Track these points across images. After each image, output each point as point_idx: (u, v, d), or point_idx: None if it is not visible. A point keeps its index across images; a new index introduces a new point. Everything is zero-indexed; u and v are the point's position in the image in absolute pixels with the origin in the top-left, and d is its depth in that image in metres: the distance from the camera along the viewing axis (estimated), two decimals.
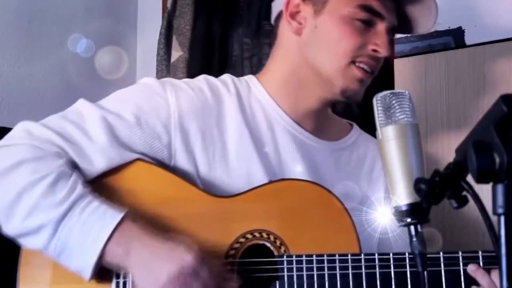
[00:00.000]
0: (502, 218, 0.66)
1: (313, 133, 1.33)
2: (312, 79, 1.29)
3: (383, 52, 1.25)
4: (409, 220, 0.85)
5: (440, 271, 1.11)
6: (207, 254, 1.10)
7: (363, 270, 1.11)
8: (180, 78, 1.86)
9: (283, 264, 1.12)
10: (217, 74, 1.37)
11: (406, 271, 1.11)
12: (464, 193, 0.76)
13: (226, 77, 1.34)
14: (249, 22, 2.06)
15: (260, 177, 1.23)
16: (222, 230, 1.15)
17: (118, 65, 2.33)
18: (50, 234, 1.08)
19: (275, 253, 1.14)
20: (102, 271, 1.10)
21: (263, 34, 2.01)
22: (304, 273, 1.11)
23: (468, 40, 1.72)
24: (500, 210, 0.65)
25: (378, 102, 0.92)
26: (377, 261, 1.12)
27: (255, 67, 1.97)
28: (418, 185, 0.80)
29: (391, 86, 1.79)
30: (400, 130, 0.89)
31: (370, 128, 1.40)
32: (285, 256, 1.13)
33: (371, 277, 1.11)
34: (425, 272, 0.87)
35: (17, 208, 1.09)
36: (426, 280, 1.08)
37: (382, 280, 1.11)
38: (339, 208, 1.16)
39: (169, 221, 1.15)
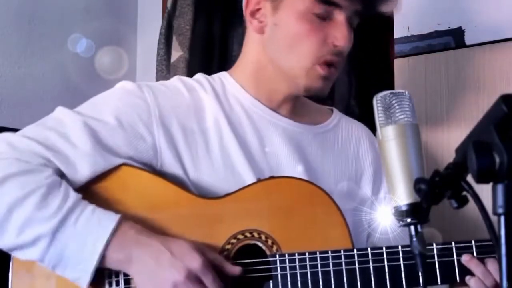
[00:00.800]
0: (502, 218, 0.66)
1: (292, 118, 1.33)
2: (278, 76, 1.28)
3: (343, 45, 1.23)
4: (409, 220, 0.85)
5: (434, 262, 1.11)
6: (211, 256, 1.10)
7: (357, 266, 1.11)
8: None
9: (276, 264, 1.12)
10: None
11: (399, 264, 1.11)
12: (464, 193, 0.76)
13: (199, 76, 1.34)
14: None
15: (244, 169, 1.22)
16: (212, 232, 1.14)
17: (118, 65, 2.33)
18: (46, 245, 1.07)
19: (267, 252, 1.14)
20: (95, 276, 1.09)
21: None
22: (298, 271, 1.11)
23: (468, 40, 1.72)
24: (500, 210, 0.65)
25: (378, 102, 0.92)
26: (370, 256, 1.12)
27: None
28: (418, 185, 0.80)
29: (391, 86, 1.79)
30: (400, 130, 0.89)
31: (370, 128, 1.41)
32: (277, 255, 1.12)
33: (365, 272, 1.11)
34: (426, 272, 0.87)
35: (9, 223, 1.07)
36: (424, 280, 1.08)
37: (376, 275, 1.11)
38: (329, 203, 1.16)
39: (159, 225, 1.14)
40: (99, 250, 1.06)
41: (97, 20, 2.28)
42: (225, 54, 2.06)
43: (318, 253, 1.12)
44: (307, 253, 1.12)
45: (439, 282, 1.11)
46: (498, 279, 1.09)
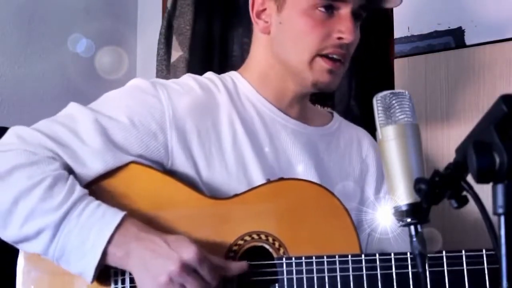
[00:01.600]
0: (502, 218, 0.65)
1: (300, 120, 1.33)
2: (286, 74, 1.29)
3: (348, 37, 1.22)
4: (409, 220, 0.85)
5: (443, 271, 1.10)
6: (208, 252, 1.09)
7: (364, 272, 1.10)
8: None
9: (282, 267, 1.11)
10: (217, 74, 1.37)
11: (408, 272, 1.09)
12: (464, 193, 0.76)
13: (210, 74, 1.33)
14: (249, 22, 2.06)
15: (256, 170, 1.22)
16: (220, 233, 1.14)
17: (118, 65, 2.33)
18: (49, 238, 1.07)
19: (274, 255, 1.13)
20: (101, 273, 1.09)
21: None
22: (304, 275, 1.10)
23: (468, 40, 1.72)
24: (500, 210, 0.65)
25: (378, 102, 0.92)
26: (378, 262, 1.10)
27: None
28: (418, 185, 0.80)
29: (391, 86, 1.79)
30: (400, 130, 0.89)
31: (370, 128, 1.41)
32: (284, 258, 1.12)
33: (372, 278, 1.10)
34: (426, 272, 0.87)
35: (14, 214, 1.07)
36: (427, 280, 1.08)
37: (384, 281, 1.09)
38: (339, 208, 1.15)
39: (166, 225, 1.14)
40: (101, 245, 1.06)
41: (97, 20, 2.29)
42: (225, 54, 2.06)
43: (325, 257, 1.10)
44: (314, 257, 1.10)
45: None
46: None
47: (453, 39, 1.74)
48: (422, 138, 0.90)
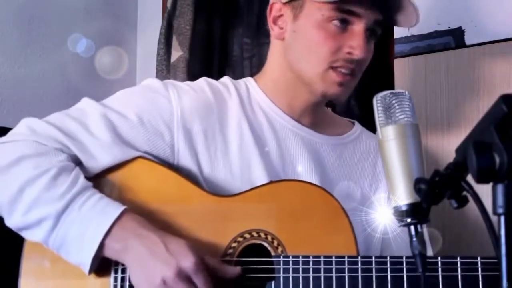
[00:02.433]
0: (502, 218, 0.66)
1: (312, 128, 1.34)
2: (297, 82, 1.30)
3: (358, 54, 1.23)
4: (409, 220, 0.85)
5: (438, 276, 1.09)
6: (207, 255, 1.10)
7: (359, 274, 1.10)
8: (180, 78, 1.87)
9: (279, 264, 1.12)
10: (217, 74, 1.38)
11: (403, 276, 1.10)
12: (464, 193, 0.76)
13: (226, 79, 1.36)
14: (249, 22, 2.06)
15: (261, 175, 1.24)
16: (220, 229, 1.15)
17: (118, 65, 2.34)
18: (50, 227, 1.09)
19: (272, 253, 1.14)
20: (102, 265, 1.11)
21: (263, 34, 2.01)
22: (300, 274, 1.11)
23: (468, 40, 1.72)
24: (500, 210, 0.65)
25: (378, 102, 0.92)
26: (373, 264, 1.11)
27: (255, 67, 1.97)
28: (418, 185, 0.80)
29: (391, 86, 1.79)
30: (400, 130, 0.89)
31: (370, 128, 1.41)
32: (281, 257, 1.12)
33: (367, 280, 1.10)
34: (425, 272, 0.87)
35: (19, 202, 1.10)
36: (424, 281, 1.08)
37: (378, 284, 1.10)
38: (337, 209, 1.16)
39: (168, 219, 1.16)
40: (99, 238, 1.07)
41: (97, 20, 2.29)
42: (225, 54, 2.06)
43: (322, 257, 1.11)
44: (311, 257, 1.11)
45: None
46: None
47: (453, 39, 1.74)
48: (422, 138, 0.90)
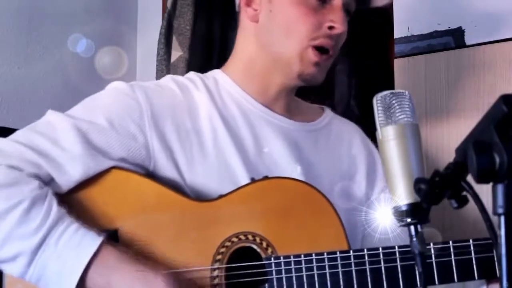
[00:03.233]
0: (502, 218, 0.66)
1: (286, 115, 1.32)
2: (271, 66, 1.28)
3: (339, 27, 1.23)
4: (409, 220, 0.85)
5: (432, 263, 1.10)
6: (196, 255, 1.09)
7: (353, 267, 1.10)
8: None
9: (271, 267, 1.11)
10: None
11: (396, 265, 1.10)
12: (464, 193, 0.76)
13: (192, 74, 1.33)
14: None
15: (239, 168, 1.22)
16: (207, 235, 1.13)
17: (118, 65, 2.33)
18: (27, 262, 1.06)
19: (262, 255, 1.13)
20: None
21: None
22: (293, 274, 1.10)
23: (468, 40, 1.72)
24: (500, 210, 0.65)
25: (378, 102, 0.92)
26: (366, 257, 1.11)
27: None
28: (418, 185, 0.80)
29: (391, 86, 1.79)
30: (400, 130, 0.89)
31: (370, 128, 1.41)
32: (272, 258, 1.11)
33: (362, 273, 1.10)
34: (425, 272, 0.87)
35: None
36: (424, 281, 1.08)
37: (373, 276, 1.10)
38: (324, 203, 1.15)
39: (151, 232, 1.13)
40: (78, 273, 1.05)
41: (97, 20, 2.28)
42: (225, 54, 2.05)
43: (314, 255, 1.10)
44: (302, 256, 1.10)
45: (436, 283, 1.11)
46: None
47: (453, 39, 1.74)
48: (422, 137, 0.90)
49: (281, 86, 1.30)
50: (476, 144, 0.68)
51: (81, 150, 1.13)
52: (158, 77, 2.06)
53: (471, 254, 1.11)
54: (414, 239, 0.85)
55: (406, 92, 0.92)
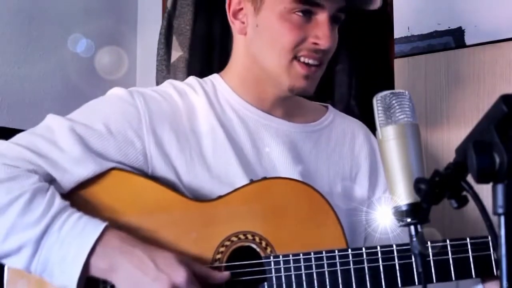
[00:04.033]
0: (502, 218, 0.66)
1: (285, 118, 1.32)
2: (264, 77, 1.28)
3: (323, 44, 1.21)
4: (409, 220, 0.85)
5: (429, 261, 1.10)
6: (195, 263, 1.09)
7: (351, 266, 1.10)
8: (180, 78, 1.87)
9: (270, 266, 1.11)
10: None
11: (394, 264, 1.11)
12: (464, 193, 0.76)
13: (191, 79, 1.34)
14: None
15: (238, 173, 1.22)
16: (206, 235, 1.14)
17: (118, 65, 2.34)
18: (31, 253, 1.06)
19: (261, 254, 1.13)
20: (88, 284, 1.08)
21: None
22: (292, 273, 1.11)
23: (468, 40, 1.72)
24: (500, 210, 0.65)
25: (378, 102, 0.92)
26: (364, 256, 1.11)
27: None
28: (418, 185, 0.80)
29: (391, 86, 1.79)
30: (400, 130, 0.89)
31: (370, 128, 1.41)
32: (271, 257, 1.12)
33: (360, 272, 1.11)
34: (426, 272, 0.87)
35: None
36: (423, 281, 1.08)
37: (371, 274, 1.10)
38: (322, 202, 1.16)
39: (151, 231, 1.13)
40: (82, 259, 1.05)
41: (97, 20, 2.29)
42: (225, 54, 2.04)
43: (312, 253, 1.11)
44: (301, 254, 1.11)
45: (434, 281, 1.11)
46: None
47: (453, 39, 1.74)
48: (422, 138, 0.90)
49: (276, 95, 1.30)
50: (476, 144, 0.68)
51: (80, 153, 1.14)
52: (158, 77, 2.06)
53: (468, 253, 1.11)
54: (414, 239, 0.85)
55: (406, 92, 0.92)
